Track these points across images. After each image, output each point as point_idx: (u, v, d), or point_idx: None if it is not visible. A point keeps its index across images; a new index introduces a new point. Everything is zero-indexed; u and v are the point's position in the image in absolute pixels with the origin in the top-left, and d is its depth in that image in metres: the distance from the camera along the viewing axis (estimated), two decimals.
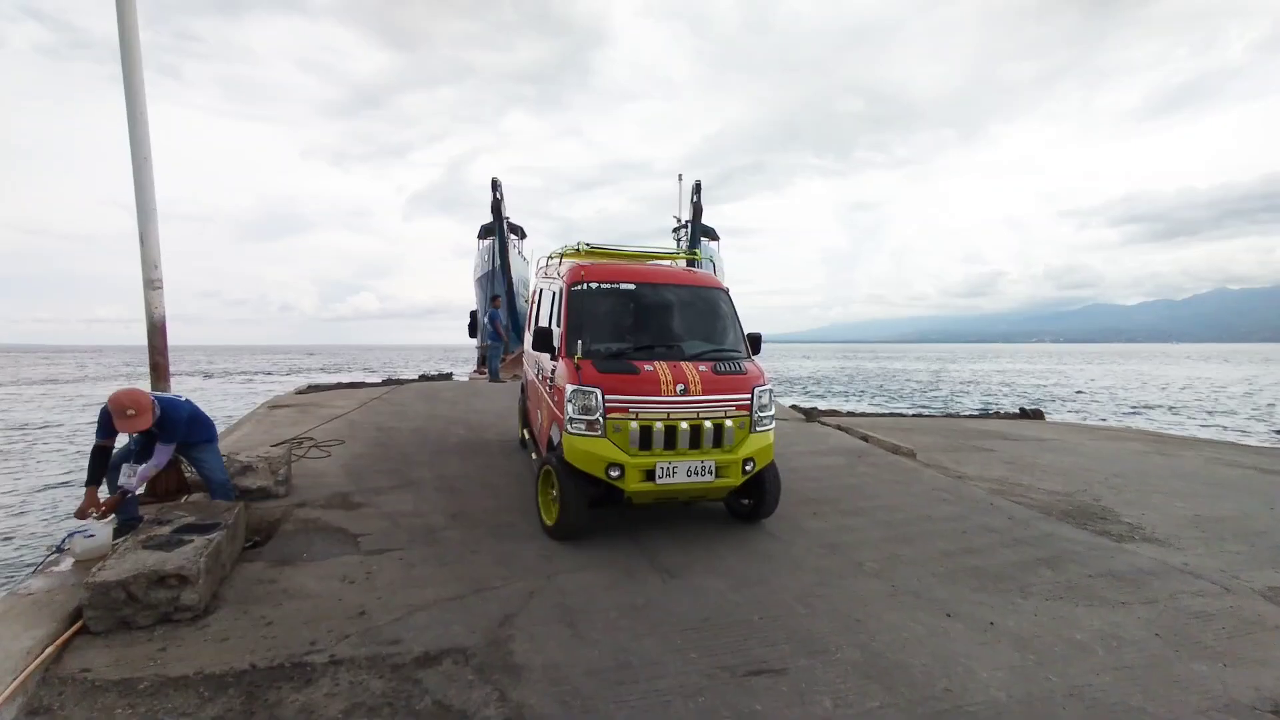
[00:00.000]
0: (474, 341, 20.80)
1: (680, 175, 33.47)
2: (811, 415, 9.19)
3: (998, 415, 15.28)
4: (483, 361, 19.74)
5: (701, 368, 4.63)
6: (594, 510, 4.59)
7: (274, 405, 9.42)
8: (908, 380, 43.48)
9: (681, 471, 4.35)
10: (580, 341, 4.63)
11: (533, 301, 6.72)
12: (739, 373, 4.73)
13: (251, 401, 23.16)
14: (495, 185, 19.87)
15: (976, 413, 16.27)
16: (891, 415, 15.05)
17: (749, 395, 4.62)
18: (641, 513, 5.03)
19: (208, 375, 45.65)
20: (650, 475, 4.31)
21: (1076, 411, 24.76)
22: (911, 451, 7.86)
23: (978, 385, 37.81)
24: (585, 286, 5.07)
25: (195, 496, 4.75)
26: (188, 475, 4.92)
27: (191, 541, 3.39)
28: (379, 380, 14.02)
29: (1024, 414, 15.02)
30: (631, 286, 5.19)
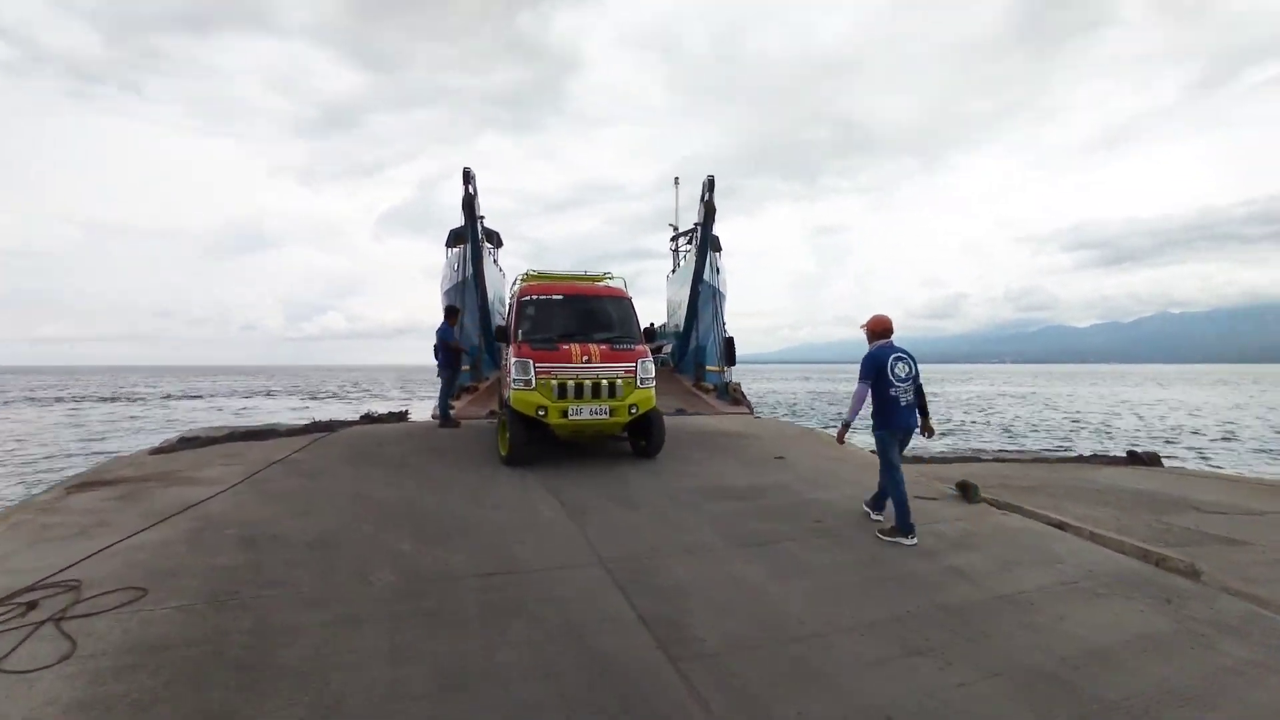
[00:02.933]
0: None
1: (677, 179, 30.36)
2: (973, 493, 5.78)
3: (1102, 459, 12.21)
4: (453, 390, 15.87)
5: (602, 346, 7.07)
6: (534, 446, 6.88)
7: (86, 483, 5.59)
8: None
9: (586, 411, 6.67)
10: (521, 331, 7.34)
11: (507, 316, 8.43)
12: (628, 350, 7.16)
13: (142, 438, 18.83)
14: (468, 177, 16.30)
15: (1069, 456, 13.23)
16: (967, 460, 11.82)
17: (634, 364, 7.00)
18: None
19: (111, 399, 40.19)
20: (565, 414, 6.62)
21: (1166, 449, 22.00)
22: (1191, 567, 4.56)
23: (987, 412, 35.11)
24: (529, 298, 7.75)
25: None
26: None
27: None
28: (304, 423, 10.11)
29: (1136, 459, 11.96)
30: (560, 297, 7.83)
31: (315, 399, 43.16)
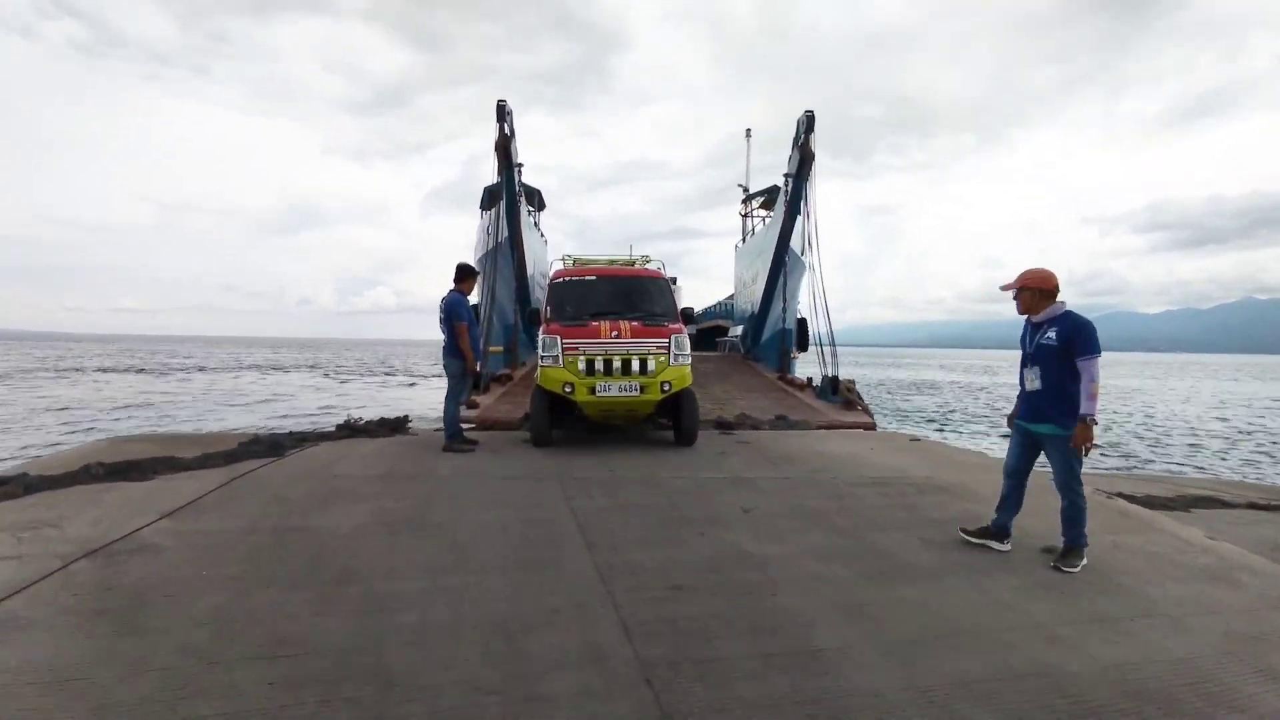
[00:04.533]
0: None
1: (749, 131, 26.26)
2: None
3: None
4: (475, 384, 12.43)
5: (634, 323, 6.90)
6: (559, 426, 6.85)
7: None
8: (980, 395, 35.37)
9: (614, 388, 6.46)
10: (552, 310, 7.39)
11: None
12: (661, 326, 7.00)
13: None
14: (502, 112, 12.86)
15: None
16: (1209, 502, 7.83)
17: (668, 340, 6.78)
18: None
19: (140, 370, 38.81)
20: (593, 390, 6.43)
21: None
22: None
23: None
24: (563, 280, 7.94)
25: None
26: None
27: None
28: (245, 437, 6.76)
29: None
30: (593, 279, 8.01)
31: (334, 376, 41.12)
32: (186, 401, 22.76)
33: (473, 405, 10.84)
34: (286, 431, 6.87)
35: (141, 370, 40.34)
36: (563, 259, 9.26)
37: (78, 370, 39.51)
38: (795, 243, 16.16)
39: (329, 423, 18.19)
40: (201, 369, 43.53)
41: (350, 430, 7.05)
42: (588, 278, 8.00)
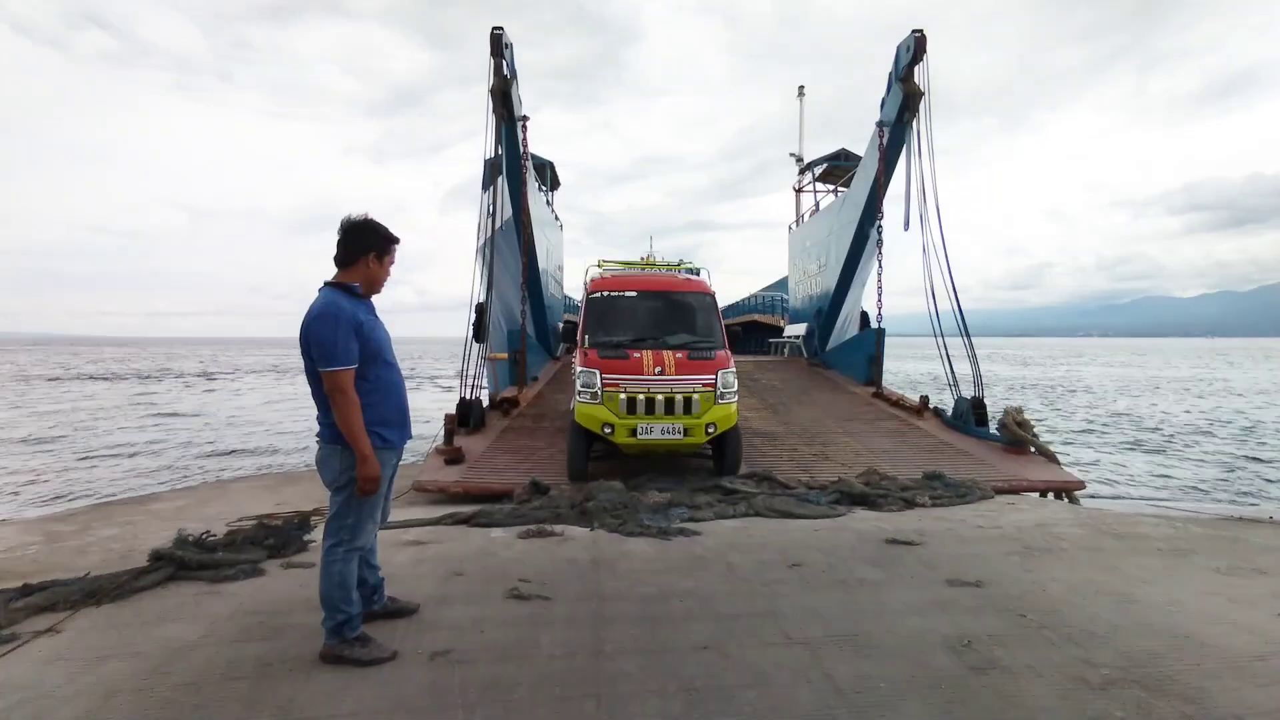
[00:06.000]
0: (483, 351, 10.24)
1: (801, 89, 22.25)
2: None
3: None
4: (482, 406, 9.11)
5: (678, 355, 6.44)
6: (595, 460, 6.61)
7: None
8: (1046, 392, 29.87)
9: (657, 430, 6.15)
10: (589, 335, 6.90)
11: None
12: (708, 359, 6.49)
13: None
14: (499, 43, 9.30)
15: None
16: None
17: (714, 376, 6.29)
18: None
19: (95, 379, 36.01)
20: (634, 432, 6.15)
21: None
22: None
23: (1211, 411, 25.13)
24: (600, 294, 7.30)
25: None
26: None
27: None
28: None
29: None
30: (634, 294, 7.38)
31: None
32: (131, 424, 18.91)
33: (455, 457, 7.30)
34: (31, 586, 3.25)
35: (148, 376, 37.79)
36: (599, 264, 8.84)
37: (89, 376, 37.08)
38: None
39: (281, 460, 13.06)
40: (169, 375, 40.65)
41: (176, 567, 3.47)
42: (628, 293, 7.45)
